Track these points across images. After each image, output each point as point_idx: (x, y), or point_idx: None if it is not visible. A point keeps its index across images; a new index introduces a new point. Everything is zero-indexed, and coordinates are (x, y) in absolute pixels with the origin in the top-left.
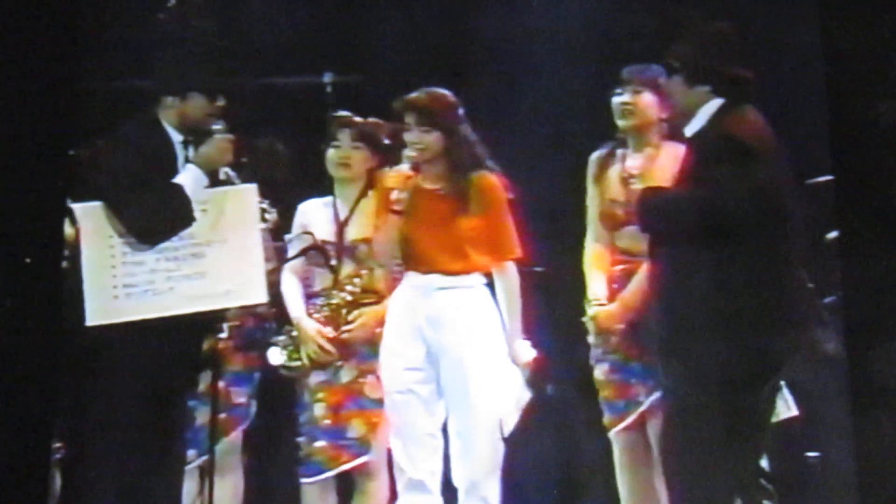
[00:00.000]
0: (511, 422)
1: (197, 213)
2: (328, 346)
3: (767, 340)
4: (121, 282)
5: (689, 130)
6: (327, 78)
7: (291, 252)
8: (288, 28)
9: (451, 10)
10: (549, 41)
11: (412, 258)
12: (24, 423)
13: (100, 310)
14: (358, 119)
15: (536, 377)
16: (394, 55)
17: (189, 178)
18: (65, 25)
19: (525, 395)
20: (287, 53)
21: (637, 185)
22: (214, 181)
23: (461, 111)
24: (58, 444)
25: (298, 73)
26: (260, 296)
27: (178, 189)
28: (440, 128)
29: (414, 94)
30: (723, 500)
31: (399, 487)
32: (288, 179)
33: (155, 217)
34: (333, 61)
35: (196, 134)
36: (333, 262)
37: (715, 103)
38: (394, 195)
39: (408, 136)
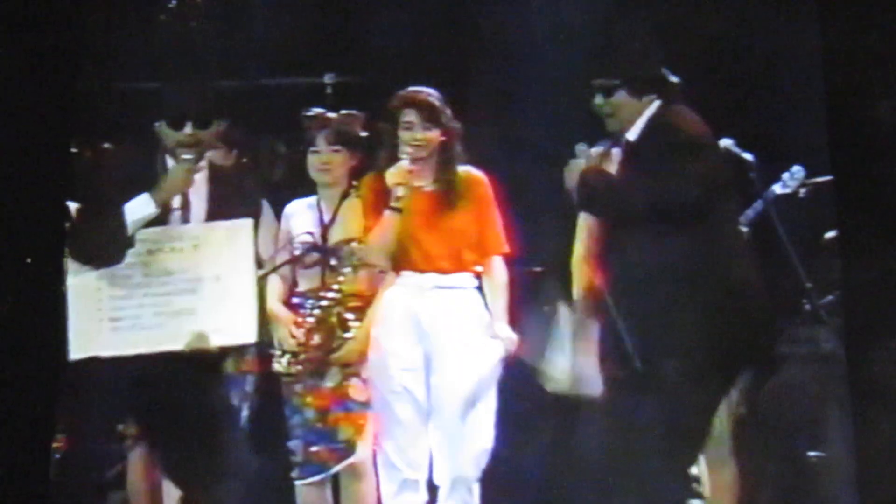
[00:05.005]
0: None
1: (189, 249)
2: (296, 332)
3: (721, 332)
4: (106, 315)
5: (632, 135)
6: (327, 78)
7: (285, 255)
8: (288, 28)
9: (452, 10)
10: (548, 41)
11: (409, 257)
12: (25, 423)
13: (84, 343)
14: (331, 115)
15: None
16: (394, 55)
17: (136, 204)
18: (65, 25)
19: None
20: (287, 53)
21: None
22: (167, 210)
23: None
24: (59, 444)
25: (298, 73)
26: (249, 336)
27: (117, 213)
28: (440, 125)
29: (413, 91)
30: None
31: (391, 488)
32: (287, 180)
33: (88, 241)
34: (333, 61)
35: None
36: (333, 262)
37: (652, 107)
38: (399, 191)
39: (407, 134)
